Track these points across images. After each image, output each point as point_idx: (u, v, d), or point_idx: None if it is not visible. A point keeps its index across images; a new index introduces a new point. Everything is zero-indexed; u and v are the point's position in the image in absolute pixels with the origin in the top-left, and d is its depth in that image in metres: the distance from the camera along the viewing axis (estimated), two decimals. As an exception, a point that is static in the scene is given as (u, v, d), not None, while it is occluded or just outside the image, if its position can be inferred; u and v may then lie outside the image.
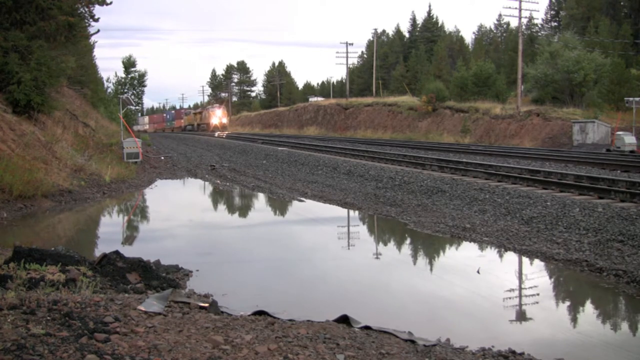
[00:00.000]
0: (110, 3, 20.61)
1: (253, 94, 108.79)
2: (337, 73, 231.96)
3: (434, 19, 77.67)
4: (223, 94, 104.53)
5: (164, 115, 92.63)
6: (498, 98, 43.39)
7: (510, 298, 6.50)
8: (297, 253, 8.92)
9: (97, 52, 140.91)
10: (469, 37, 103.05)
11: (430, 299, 6.51)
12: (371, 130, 51.21)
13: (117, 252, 6.59)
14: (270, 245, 9.53)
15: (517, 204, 10.94)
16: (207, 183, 17.73)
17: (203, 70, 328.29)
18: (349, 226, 11.10)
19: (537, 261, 7.84)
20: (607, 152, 25.43)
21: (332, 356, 3.88)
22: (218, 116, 63.26)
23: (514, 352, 4.60)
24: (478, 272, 7.32)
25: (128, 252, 7.34)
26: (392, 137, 44.80)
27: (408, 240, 9.69)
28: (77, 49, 25.01)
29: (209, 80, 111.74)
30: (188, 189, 17.34)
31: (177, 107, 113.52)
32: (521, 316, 5.92)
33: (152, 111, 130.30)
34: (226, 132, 57.56)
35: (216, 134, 51.72)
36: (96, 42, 40.78)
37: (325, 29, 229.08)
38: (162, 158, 25.27)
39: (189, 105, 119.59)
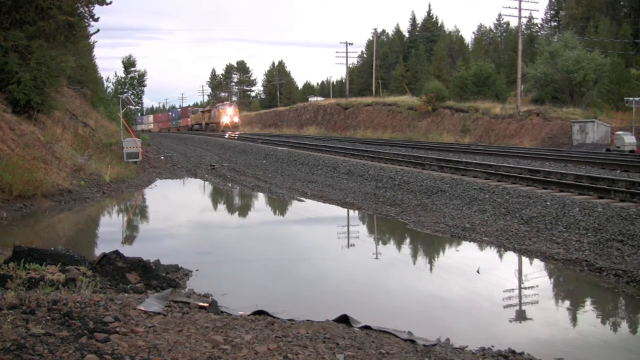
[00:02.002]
0: (110, 3, 20.61)
1: (253, 94, 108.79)
2: (337, 73, 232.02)
3: (434, 19, 77.67)
4: (223, 94, 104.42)
5: (170, 114, 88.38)
6: (498, 98, 43.38)
7: (510, 298, 6.50)
8: (297, 253, 8.92)
9: (97, 52, 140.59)
10: (469, 37, 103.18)
11: (430, 299, 6.51)
12: (371, 130, 51.20)
13: (117, 252, 6.59)
14: (270, 245, 9.54)
15: (517, 204, 10.95)
16: (207, 183, 17.73)
17: (203, 70, 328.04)
18: (349, 226, 11.10)
19: (537, 261, 7.85)
20: (607, 152, 25.43)
21: (332, 356, 3.88)
22: (229, 115, 58.44)
23: (514, 352, 4.60)
24: (478, 272, 7.32)
25: (128, 252, 7.34)
26: (392, 137, 44.80)
27: (408, 240, 9.69)
28: (77, 49, 24.98)
29: (209, 80, 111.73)
30: (188, 189, 17.34)
31: (177, 106, 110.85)
32: (521, 316, 5.93)
33: (152, 111, 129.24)
34: (238, 133, 52.49)
35: (227, 135, 47.13)
36: (96, 42, 40.76)
37: (325, 29, 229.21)
38: (162, 158, 25.27)
39: (191, 104, 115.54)
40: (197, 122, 68.03)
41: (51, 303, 4.25)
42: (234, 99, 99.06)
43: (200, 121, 66.76)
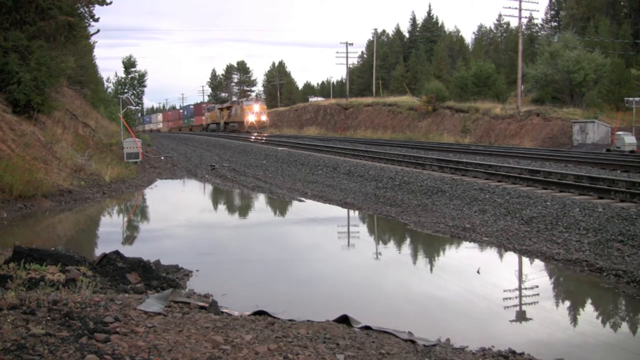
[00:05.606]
0: (110, 3, 20.61)
1: (253, 94, 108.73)
2: (337, 73, 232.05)
3: (434, 19, 77.71)
4: (223, 94, 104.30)
5: (181, 111, 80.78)
6: (498, 98, 43.38)
7: (510, 298, 6.50)
8: (297, 253, 8.93)
9: (97, 52, 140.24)
10: (469, 37, 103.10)
11: (429, 299, 6.51)
12: (371, 130, 51.21)
13: (117, 252, 6.60)
14: (270, 245, 9.54)
15: (517, 204, 10.95)
16: (207, 183, 17.73)
17: (203, 70, 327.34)
18: (348, 226, 11.10)
19: (537, 261, 7.85)
20: (607, 152, 25.42)
21: (332, 356, 3.88)
22: (256, 112, 49.26)
23: (514, 352, 4.60)
24: (478, 272, 7.32)
25: (128, 252, 7.34)
26: (392, 137, 44.79)
27: (408, 241, 9.69)
28: (77, 49, 25.00)
29: (209, 80, 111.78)
30: (188, 189, 17.34)
31: (177, 107, 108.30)
32: (521, 316, 5.93)
33: (151, 111, 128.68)
34: (266, 134, 44.86)
35: (252, 137, 38.86)
36: (96, 42, 40.74)
37: (325, 29, 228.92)
38: (162, 158, 25.27)
39: (206, 101, 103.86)
40: (214, 121, 60.23)
41: (51, 303, 4.25)
42: (234, 99, 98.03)
43: (217, 120, 58.75)
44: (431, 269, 8.02)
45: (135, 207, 13.91)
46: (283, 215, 12.58)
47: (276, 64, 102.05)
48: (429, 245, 9.23)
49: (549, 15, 65.56)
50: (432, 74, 55.87)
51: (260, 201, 14.37)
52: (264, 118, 50.50)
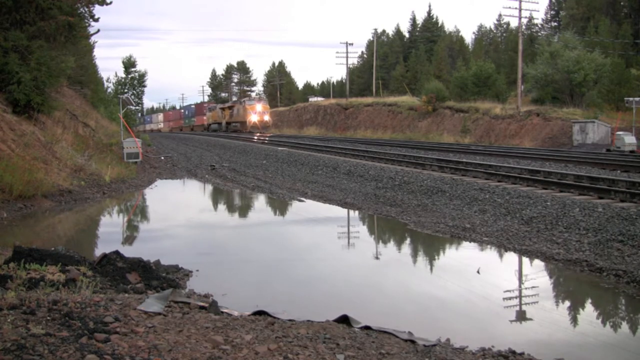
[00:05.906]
0: (110, 3, 20.61)
1: (253, 94, 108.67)
2: (337, 73, 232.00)
3: (434, 19, 77.71)
4: (223, 94, 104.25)
5: (182, 111, 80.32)
6: (498, 98, 43.38)
7: (510, 298, 6.50)
8: (297, 253, 8.93)
9: (97, 52, 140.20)
10: (469, 37, 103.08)
11: (429, 299, 6.51)
12: (371, 130, 51.20)
13: (117, 252, 6.60)
14: (270, 245, 9.54)
15: (517, 204, 10.94)
16: (207, 183, 17.73)
17: (203, 70, 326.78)
18: (348, 226, 11.10)
19: (537, 261, 7.85)
20: (607, 152, 25.42)
21: (332, 356, 3.88)
22: (258, 112, 48.58)
23: (514, 352, 4.60)
24: (478, 272, 7.32)
25: (128, 252, 7.34)
26: (392, 137, 44.78)
27: (408, 241, 9.69)
28: (77, 49, 25.01)
29: (209, 80, 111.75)
30: (188, 189, 17.34)
31: (177, 107, 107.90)
32: (521, 316, 5.93)
33: (151, 111, 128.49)
34: (268, 134, 44.22)
35: (255, 137, 38.65)
36: (96, 42, 40.71)
37: (325, 29, 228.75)
38: (162, 158, 25.27)
39: (207, 101, 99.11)
40: (215, 121, 59.16)
41: (51, 303, 4.26)
42: (234, 99, 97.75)
43: (219, 119, 57.74)
44: (431, 269, 8.02)
45: (135, 207, 13.92)
46: (283, 215, 12.58)
47: (276, 64, 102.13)
48: (429, 245, 9.23)
49: (549, 15, 65.59)
50: (432, 74, 55.88)
51: (260, 201, 14.37)
52: (266, 118, 49.73)
